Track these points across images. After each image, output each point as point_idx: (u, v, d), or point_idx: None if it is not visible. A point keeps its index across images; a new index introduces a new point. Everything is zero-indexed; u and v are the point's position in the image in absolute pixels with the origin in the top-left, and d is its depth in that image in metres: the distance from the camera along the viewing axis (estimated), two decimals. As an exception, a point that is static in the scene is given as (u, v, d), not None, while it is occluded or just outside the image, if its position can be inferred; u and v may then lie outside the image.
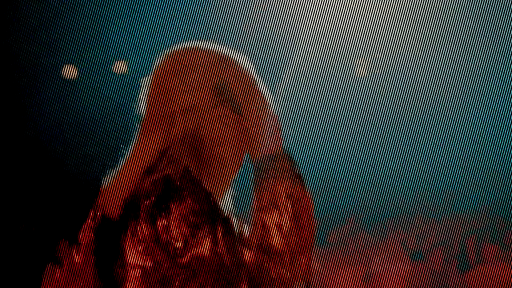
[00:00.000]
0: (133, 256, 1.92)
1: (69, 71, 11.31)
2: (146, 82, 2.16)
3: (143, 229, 1.91)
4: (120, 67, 11.37)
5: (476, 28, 9.45)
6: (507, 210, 9.57)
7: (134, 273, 1.92)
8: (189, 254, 1.85)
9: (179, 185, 1.93)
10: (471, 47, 9.81)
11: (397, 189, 10.62)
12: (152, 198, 1.93)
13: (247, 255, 1.86)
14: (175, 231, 1.86)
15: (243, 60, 2.15)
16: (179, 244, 1.86)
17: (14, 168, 11.02)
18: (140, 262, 1.91)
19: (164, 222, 1.88)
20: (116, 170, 2.13)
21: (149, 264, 1.90)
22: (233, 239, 1.88)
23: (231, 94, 2.05)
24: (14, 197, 10.86)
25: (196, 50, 2.15)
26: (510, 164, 9.73)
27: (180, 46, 2.17)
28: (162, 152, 2.04)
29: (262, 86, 2.11)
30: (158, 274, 1.89)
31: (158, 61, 2.16)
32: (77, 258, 2.12)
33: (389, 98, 11.00)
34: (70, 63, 11.29)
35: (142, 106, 2.16)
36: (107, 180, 2.13)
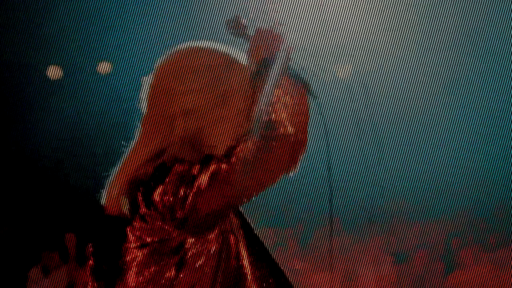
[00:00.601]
0: (137, 238, 2.00)
1: (54, 72, 11.26)
2: (147, 82, 2.15)
3: (143, 209, 1.97)
4: (105, 67, 11.34)
5: (477, 29, 9.46)
6: (490, 213, 9.62)
7: (141, 252, 1.99)
8: (190, 195, 1.92)
9: (169, 165, 1.98)
10: (469, 55, 9.82)
11: (381, 191, 10.65)
12: (146, 180, 2.00)
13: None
14: (170, 188, 1.93)
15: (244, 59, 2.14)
16: (181, 192, 1.93)
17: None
18: (148, 239, 1.99)
19: (160, 189, 1.95)
20: (115, 168, 2.14)
21: (155, 239, 1.98)
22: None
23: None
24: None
25: (196, 51, 2.13)
26: (493, 168, 9.79)
27: (180, 47, 2.15)
28: (160, 151, 2.05)
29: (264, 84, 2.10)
30: (166, 247, 1.98)
31: (159, 61, 2.14)
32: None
33: (368, 103, 11.05)
34: (55, 63, 11.23)
35: (143, 106, 2.15)
36: (107, 180, 2.14)
